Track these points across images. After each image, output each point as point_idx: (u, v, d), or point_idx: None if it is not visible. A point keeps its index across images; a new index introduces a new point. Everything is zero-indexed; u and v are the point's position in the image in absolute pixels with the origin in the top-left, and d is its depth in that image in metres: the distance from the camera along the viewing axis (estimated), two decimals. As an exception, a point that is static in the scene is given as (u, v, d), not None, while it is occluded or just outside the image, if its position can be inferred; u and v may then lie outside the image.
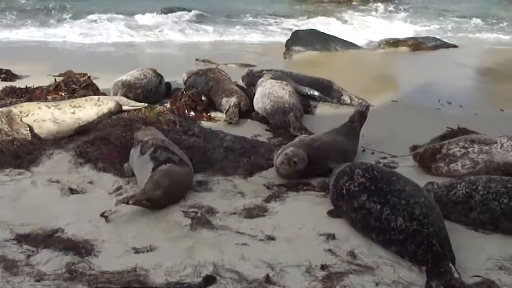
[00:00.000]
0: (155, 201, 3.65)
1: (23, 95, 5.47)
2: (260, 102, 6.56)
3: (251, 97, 6.83)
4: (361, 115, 5.38)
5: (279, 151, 4.82)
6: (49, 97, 5.41)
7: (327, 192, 4.14)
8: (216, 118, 6.47)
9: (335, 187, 3.71)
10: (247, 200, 4.11)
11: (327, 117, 6.66)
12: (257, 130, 6.17)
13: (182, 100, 6.50)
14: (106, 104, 5.02)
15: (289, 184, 4.31)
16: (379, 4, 14.46)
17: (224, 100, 6.65)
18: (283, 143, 5.70)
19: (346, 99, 7.01)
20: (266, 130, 6.25)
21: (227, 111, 6.48)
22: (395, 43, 8.94)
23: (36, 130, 4.31)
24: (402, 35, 9.38)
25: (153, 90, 6.70)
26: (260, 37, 9.35)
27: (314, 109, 6.92)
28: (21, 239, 3.06)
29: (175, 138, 5.12)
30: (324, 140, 4.80)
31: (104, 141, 4.43)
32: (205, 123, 6.22)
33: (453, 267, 2.83)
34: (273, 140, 5.94)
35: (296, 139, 5.12)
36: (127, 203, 3.51)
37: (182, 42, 8.99)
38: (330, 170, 4.42)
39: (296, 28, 9.53)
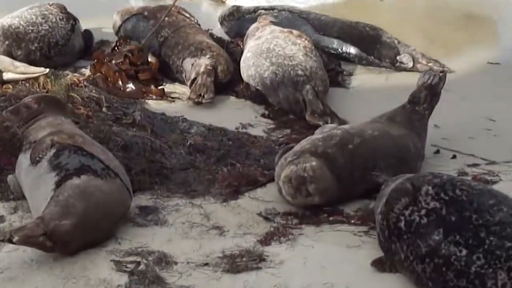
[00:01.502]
0: (61, 240, 3.71)
1: None
2: (252, 66, 6.60)
3: (236, 57, 6.94)
4: (431, 91, 5.40)
5: (285, 156, 4.87)
6: None
7: (371, 227, 4.36)
8: (174, 95, 6.56)
9: (386, 217, 3.80)
10: (228, 240, 4.23)
11: (371, 92, 6.77)
12: (247, 116, 6.25)
13: (113, 62, 6.53)
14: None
15: (303, 213, 4.69)
16: None
17: (188, 62, 6.69)
18: (292, 139, 5.81)
19: (405, 60, 7.04)
20: (263, 115, 6.32)
21: (193, 82, 6.53)
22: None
23: None
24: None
25: (60, 43, 6.72)
26: None
27: (348, 79, 7.04)
28: None
29: (99, 132, 5.18)
30: (367, 135, 4.89)
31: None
32: (154, 104, 6.32)
33: None
34: (275, 133, 6.01)
35: (317, 134, 5.17)
36: (11, 241, 3.50)
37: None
38: (377, 187, 4.49)
39: None
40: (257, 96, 6.50)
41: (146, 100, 6.39)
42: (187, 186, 4.98)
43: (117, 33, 7.38)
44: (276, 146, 5.57)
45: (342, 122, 5.95)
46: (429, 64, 7.06)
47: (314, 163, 4.63)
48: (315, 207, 4.67)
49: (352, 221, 4.52)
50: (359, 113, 6.13)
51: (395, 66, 7.19)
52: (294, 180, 4.58)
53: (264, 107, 6.41)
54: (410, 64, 7.08)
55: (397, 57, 7.14)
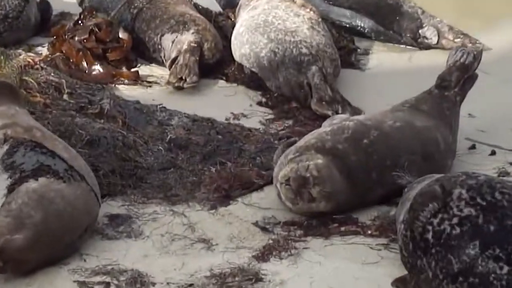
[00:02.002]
0: (14, 258, 3.75)
1: None
2: (246, 43, 6.64)
3: (226, 32, 7.01)
4: (463, 72, 5.43)
5: (286, 154, 4.87)
6: None
7: (392, 239, 4.36)
8: (151, 79, 6.60)
9: (410, 227, 3.81)
10: (218, 256, 4.25)
11: (391, 75, 6.83)
12: (240, 104, 6.29)
13: (76, 39, 6.56)
14: None
15: (308, 223, 4.63)
16: None
17: (167, 39, 6.76)
18: (294, 132, 5.82)
19: (429, 34, 7.10)
20: (260, 104, 6.36)
21: (173, 62, 6.58)
22: None
23: None
24: None
25: (11, 16, 6.76)
26: None
27: (363, 59, 7.09)
28: None
29: (60, 124, 5.20)
30: (386, 127, 4.95)
31: None
32: (126, 90, 6.36)
33: None
34: (274, 125, 6.03)
35: (325, 126, 5.18)
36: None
37: None
38: (398, 190, 4.50)
39: None
40: (252, 80, 6.50)
41: (117, 85, 6.39)
42: (167, 190, 4.98)
43: (80, 3, 7.38)
44: (275, 141, 5.56)
45: (355, 111, 5.93)
46: (457, 40, 7.01)
47: (319, 161, 4.64)
48: (322, 215, 4.67)
49: (369, 232, 4.51)
50: (376, 100, 6.11)
51: (418, 42, 7.18)
52: (293, 181, 4.58)
53: (260, 93, 6.42)
54: (435, 40, 7.05)
55: (420, 31, 7.11)
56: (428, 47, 7.17)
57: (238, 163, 5.27)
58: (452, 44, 6.90)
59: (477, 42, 7.03)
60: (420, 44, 7.18)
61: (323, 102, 6.01)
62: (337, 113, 5.81)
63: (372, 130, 4.89)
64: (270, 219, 4.70)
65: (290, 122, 6.00)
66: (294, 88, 6.23)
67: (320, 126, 5.27)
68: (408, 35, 7.15)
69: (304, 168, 4.60)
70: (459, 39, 7.03)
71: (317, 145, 4.78)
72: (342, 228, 4.58)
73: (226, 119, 5.93)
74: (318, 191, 4.59)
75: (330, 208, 4.66)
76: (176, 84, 6.33)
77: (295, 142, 5.01)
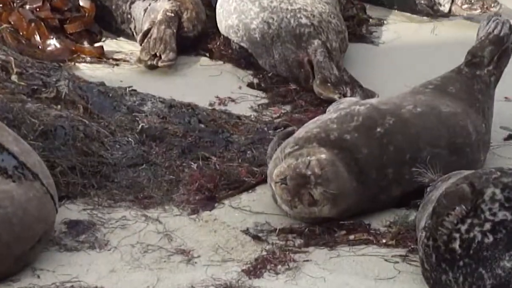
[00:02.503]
0: None
1: None
2: (234, 12, 6.69)
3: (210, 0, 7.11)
4: (498, 47, 5.45)
5: (283, 146, 4.87)
6: None
7: (411, 249, 4.40)
8: (118, 56, 6.67)
9: (434, 235, 3.88)
10: (200, 271, 4.30)
11: (410, 50, 6.89)
12: (227, 87, 6.37)
13: (27, 7, 6.59)
14: None
15: (310, 230, 4.66)
16: None
17: (139, 6, 6.81)
18: (293, 120, 5.86)
19: (443, 1, 7.23)
20: (251, 86, 6.43)
21: (146, 35, 6.63)
22: None
23: None
24: None
25: None
26: None
27: (376, 31, 7.19)
28: None
29: (8, 111, 5.20)
30: (405, 113, 5.01)
31: None
32: (88, 69, 6.40)
33: None
34: (269, 111, 6.10)
35: (330, 112, 5.19)
36: None
37: None
38: (419, 190, 4.53)
39: None
40: (241, 57, 6.52)
41: (77, 64, 6.39)
42: (139, 190, 5.00)
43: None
44: (270, 131, 5.57)
45: (367, 94, 5.95)
46: (491, 8, 7.00)
47: (323, 155, 4.65)
48: (327, 221, 4.68)
49: (383, 241, 4.52)
50: (392, 80, 6.13)
51: (434, 9, 7.23)
52: (291, 181, 4.57)
53: (251, 73, 6.43)
54: (447, 7, 7.12)
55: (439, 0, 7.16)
56: (443, 16, 7.23)
57: (225, 158, 5.28)
58: (463, 12, 6.90)
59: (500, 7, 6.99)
60: (436, 12, 7.16)
61: (328, 84, 6.02)
62: (344, 96, 5.80)
63: (388, 117, 4.90)
64: (263, 225, 4.71)
65: (288, 108, 6.01)
66: (292, 67, 6.24)
67: (324, 112, 5.27)
68: (423, 1, 7.14)
69: (304, 164, 4.60)
70: (493, 5, 6.98)
71: (320, 136, 4.79)
72: (351, 236, 4.59)
73: (210, 105, 5.93)
74: (321, 192, 4.59)
75: (336, 212, 4.67)
76: (149, 62, 6.34)
77: (293, 132, 5.00)
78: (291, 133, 5.00)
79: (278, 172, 4.63)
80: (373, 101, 5.22)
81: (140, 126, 5.53)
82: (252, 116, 5.85)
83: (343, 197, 4.65)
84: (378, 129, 4.84)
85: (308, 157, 4.62)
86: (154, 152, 5.32)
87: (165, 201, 4.91)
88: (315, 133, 4.81)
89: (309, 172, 4.57)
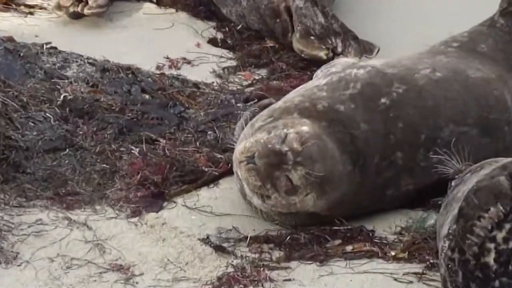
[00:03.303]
0: None
1: None
2: None
3: None
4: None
5: (253, 122, 4.91)
6: None
7: (430, 264, 4.42)
8: (33, 2, 6.67)
9: (460, 245, 3.94)
10: None
11: None
12: (181, 44, 6.51)
13: None
14: None
15: (293, 238, 4.66)
16: None
17: None
18: (269, 88, 5.93)
19: None
20: (212, 42, 6.55)
21: None
22: None
23: None
24: None
25: None
26: None
27: None
28: None
29: None
30: (419, 79, 5.06)
31: None
32: None
33: None
34: (237, 78, 6.23)
35: (318, 77, 5.22)
36: None
37: None
38: (441, 183, 4.56)
39: None
40: (199, 4, 6.58)
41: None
42: (60, 184, 5.00)
43: None
44: (238, 104, 5.60)
45: (364, 47, 6.04)
46: None
47: (304, 128, 4.67)
48: (315, 224, 4.69)
49: (392, 254, 4.52)
50: (402, 35, 6.18)
51: None
52: (261, 159, 4.57)
53: (214, 25, 6.52)
54: None
55: None
56: None
57: (177, 140, 5.29)
58: None
59: None
60: None
61: (311, 37, 6.09)
62: (335, 54, 5.89)
63: (396, 84, 4.94)
64: (229, 232, 4.72)
65: (263, 72, 6.05)
66: (265, 17, 6.30)
67: (310, 78, 5.29)
68: None
69: (280, 138, 4.60)
70: None
71: (303, 106, 4.83)
72: (348, 247, 4.59)
73: (158, 68, 5.97)
74: (302, 175, 4.58)
75: (324, 205, 4.68)
76: (72, 9, 6.30)
77: (269, 104, 5.04)
78: (266, 106, 5.03)
79: (243, 148, 4.62)
80: (376, 63, 5.22)
81: (62, 97, 5.52)
82: (215, 84, 5.88)
83: (333, 183, 4.68)
84: (383, 100, 4.87)
85: (285, 130, 4.62)
86: (81, 133, 5.33)
87: (96, 199, 4.91)
88: (296, 103, 4.86)
89: (285, 148, 4.57)
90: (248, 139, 4.67)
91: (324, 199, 4.66)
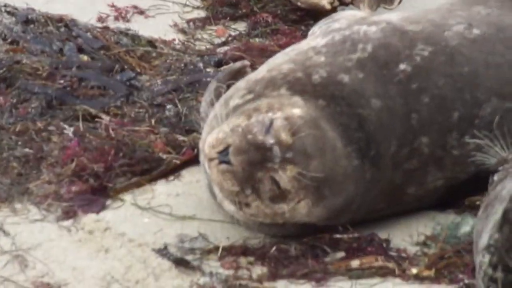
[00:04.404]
0: None
1: None
2: None
3: None
4: None
5: (227, 96, 4.93)
6: None
7: (463, 286, 4.46)
8: None
9: (506, 260, 3.96)
10: None
11: None
12: None
13: None
14: None
15: (279, 249, 4.71)
16: None
17: None
18: (250, 48, 5.98)
19: None
20: None
21: None
22: None
23: None
24: None
25: None
26: None
27: None
28: None
29: None
30: (449, 38, 5.08)
31: None
32: None
33: None
34: (206, 34, 6.27)
35: (315, 34, 5.25)
36: None
37: None
38: (479, 175, 4.57)
39: None
40: None
41: None
42: None
43: None
44: (207, 69, 5.61)
45: None
46: None
47: (296, 110, 4.68)
48: (308, 231, 4.69)
49: (413, 271, 4.51)
50: None
51: None
52: (238, 155, 4.55)
53: None
54: None
55: None
56: None
57: (126, 117, 5.31)
58: None
59: None
60: None
61: None
62: (342, 3, 5.95)
63: (420, 45, 4.97)
64: (194, 240, 4.72)
65: (242, 27, 6.09)
66: None
67: (305, 36, 5.31)
68: None
69: (263, 125, 4.61)
70: None
71: (293, 77, 4.85)
72: (355, 262, 4.59)
73: (99, 20, 5.99)
74: (293, 176, 4.58)
75: (322, 215, 4.69)
76: None
77: (246, 71, 5.08)
78: (242, 73, 5.08)
79: (214, 140, 4.61)
80: (392, 17, 5.25)
81: None
82: (177, 42, 5.89)
83: (334, 185, 4.68)
84: (402, 67, 4.89)
85: (270, 113, 4.62)
86: None
87: (15, 195, 4.90)
88: (285, 72, 4.87)
89: (270, 140, 4.56)
90: (220, 126, 4.67)
91: (322, 206, 4.67)
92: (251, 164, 4.51)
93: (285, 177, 4.53)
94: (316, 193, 4.60)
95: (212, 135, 4.59)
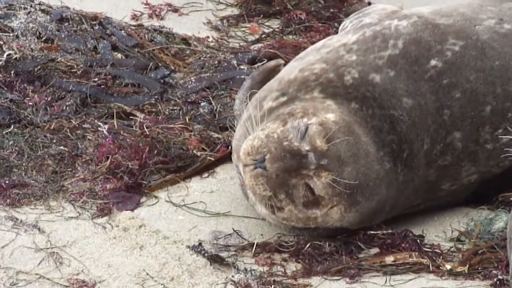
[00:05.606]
0: None
1: None
2: None
3: None
4: None
5: (260, 97, 4.92)
6: None
7: (497, 281, 4.43)
8: None
9: None
10: None
11: None
12: None
13: None
14: None
15: (313, 246, 4.69)
16: None
17: None
18: (284, 45, 5.96)
19: None
20: None
21: None
22: None
23: None
24: None
25: None
26: None
27: None
28: None
29: None
30: (482, 31, 5.07)
31: None
32: None
33: None
34: (240, 32, 6.28)
35: (346, 31, 5.24)
36: None
37: None
38: (510, 170, 4.59)
39: None
40: None
41: None
42: (2, 173, 5.00)
43: None
44: (242, 67, 5.61)
45: None
46: None
47: (330, 116, 4.68)
48: (342, 228, 4.70)
49: (447, 267, 4.50)
50: None
51: None
52: (273, 163, 4.54)
53: None
54: None
55: None
56: None
57: (160, 114, 5.32)
58: None
59: None
60: None
61: None
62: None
63: (451, 39, 4.96)
64: (229, 237, 4.73)
65: (276, 23, 6.08)
66: None
67: (336, 31, 5.35)
68: None
69: (299, 131, 4.61)
70: None
71: (326, 78, 4.84)
72: (389, 258, 4.59)
73: (133, 18, 6.01)
74: (327, 182, 4.59)
75: (355, 219, 4.70)
76: None
77: (279, 70, 5.09)
78: (277, 72, 5.07)
79: (249, 147, 4.59)
80: (424, 11, 5.24)
81: (5, 56, 5.53)
82: (211, 39, 5.88)
83: (367, 190, 4.68)
84: (433, 62, 4.89)
85: (305, 119, 4.61)
86: (30, 104, 5.33)
87: (50, 193, 4.90)
88: (317, 72, 4.86)
89: (306, 147, 4.57)
90: (254, 129, 4.68)
91: (355, 211, 4.68)
92: (287, 171, 4.52)
93: (319, 183, 4.55)
94: (349, 199, 4.61)
95: (248, 142, 4.59)
